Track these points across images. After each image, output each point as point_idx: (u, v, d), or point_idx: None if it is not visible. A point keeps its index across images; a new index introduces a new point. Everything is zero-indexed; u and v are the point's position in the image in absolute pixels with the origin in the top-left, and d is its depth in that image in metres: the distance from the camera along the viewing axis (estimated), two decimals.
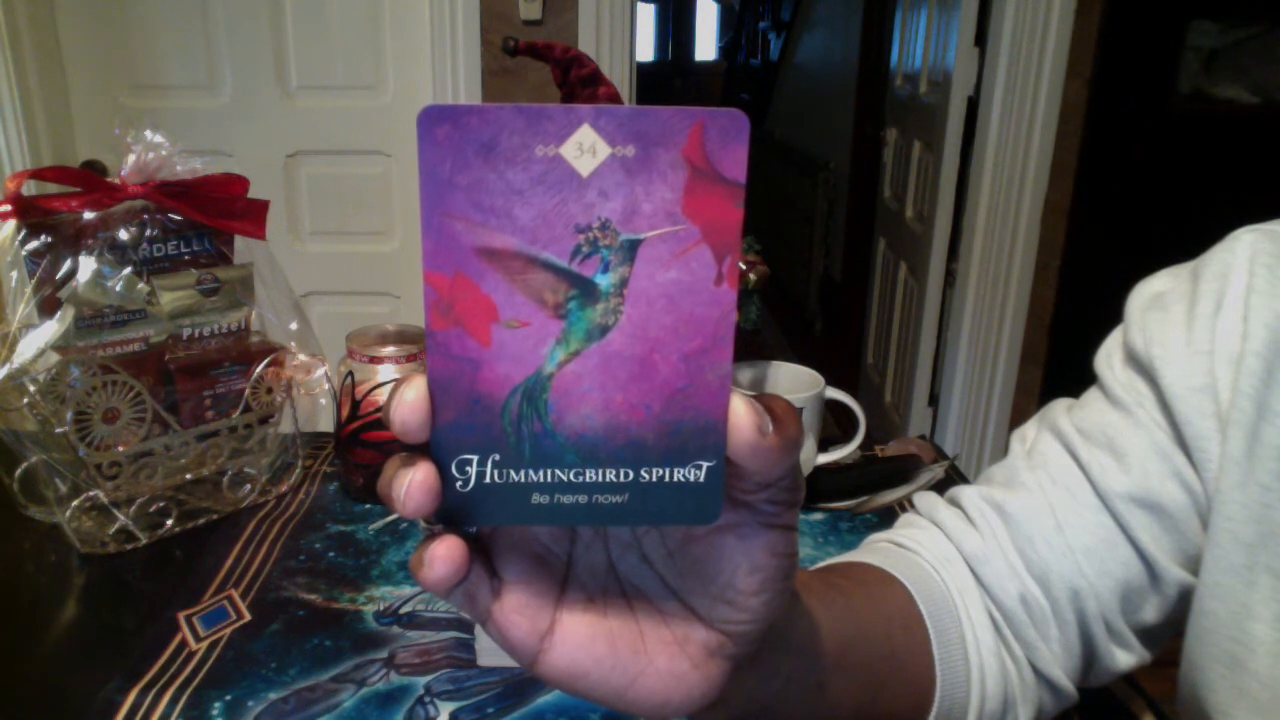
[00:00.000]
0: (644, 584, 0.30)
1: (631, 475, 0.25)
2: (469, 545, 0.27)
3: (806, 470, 0.83)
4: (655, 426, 0.25)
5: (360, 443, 0.81)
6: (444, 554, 0.26)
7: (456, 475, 0.25)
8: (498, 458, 0.25)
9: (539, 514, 0.26)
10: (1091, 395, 0.50)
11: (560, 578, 0.30)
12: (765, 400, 0.26)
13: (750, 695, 0.33)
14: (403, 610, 0.68)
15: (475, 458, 0.25)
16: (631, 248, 0.24)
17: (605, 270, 0.24)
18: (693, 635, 0.30)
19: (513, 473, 0.25)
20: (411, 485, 0.25)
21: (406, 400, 0.24)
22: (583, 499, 0.26)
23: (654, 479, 0.25)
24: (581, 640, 0.29)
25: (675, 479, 0.25)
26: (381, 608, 0.68)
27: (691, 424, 0.25)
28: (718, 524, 0.27)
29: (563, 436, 0.25)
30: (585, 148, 0.23)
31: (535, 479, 0.25)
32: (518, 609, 0.28)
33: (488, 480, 0.25)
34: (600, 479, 0.25)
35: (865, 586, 0.46)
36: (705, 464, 0.25)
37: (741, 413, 0.25)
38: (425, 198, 0.23)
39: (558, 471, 0.25)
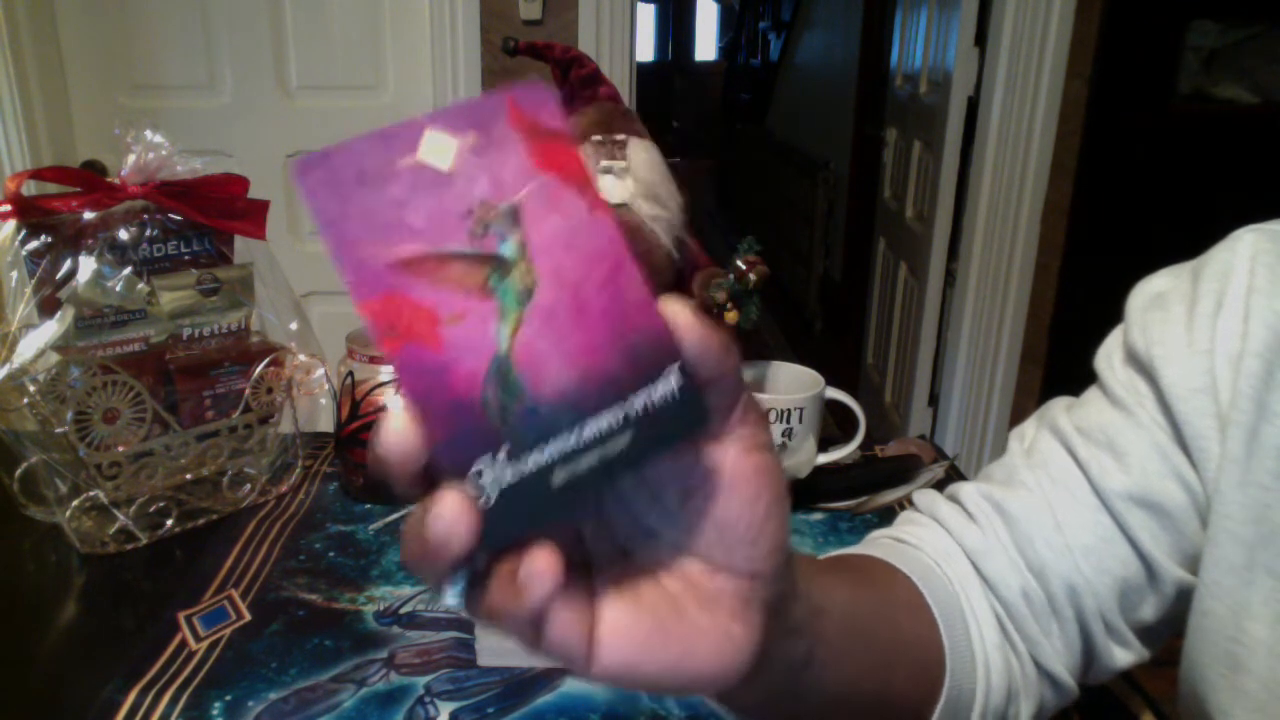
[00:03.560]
0: (661, 555, 0.30)
1: (621, 412, 0.26)
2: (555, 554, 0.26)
3: (806, 470, 0.83)
4: (616, 357, 0.26)
5: (360, 443, 0.81)
6: (543, 567, 0.25)
7: (474, 494, 0.25)
8: (502, 455, 0.25)
9: (566, 494, 0.26)
10: (1091, 394, 0.50)
11: (585, 575, 0.30)
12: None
13: (783, 660, 0.34)
14: (403, 610, 0.68)
15: (482, 466, 0.25)
16: (513, 213, 0.26)
17: (504, 240, 0.25)
18: (725, 587, 0.30)
19: (522, 462, 0.25)
20: (447, 517, 0.24)
21: (394, 429, 0.24)
22: (594, 457, 0.26)
23: (641, 408, 0.26)
24: (627, 624, 0.29)
25: (658, 398, 0.27)
26: (381, 608, 0.68)
27: (642, 340, 0.26)
28: (711, 465, 0.28)
29: (546, 405, 0.25)
30: (436, 147, 0.25)
31: (545, 458, 0.26)
32: (567, 616, 0.28)
33: (505, 484, 0.25)
34: (599, 430, 0.26)
35: (871, 575, 0.46)
36: (672, 369, 0.27)
37: (674, 307, 0.27)
38: (328, 238, 0.24)
39: (560, 440, 0.26)
